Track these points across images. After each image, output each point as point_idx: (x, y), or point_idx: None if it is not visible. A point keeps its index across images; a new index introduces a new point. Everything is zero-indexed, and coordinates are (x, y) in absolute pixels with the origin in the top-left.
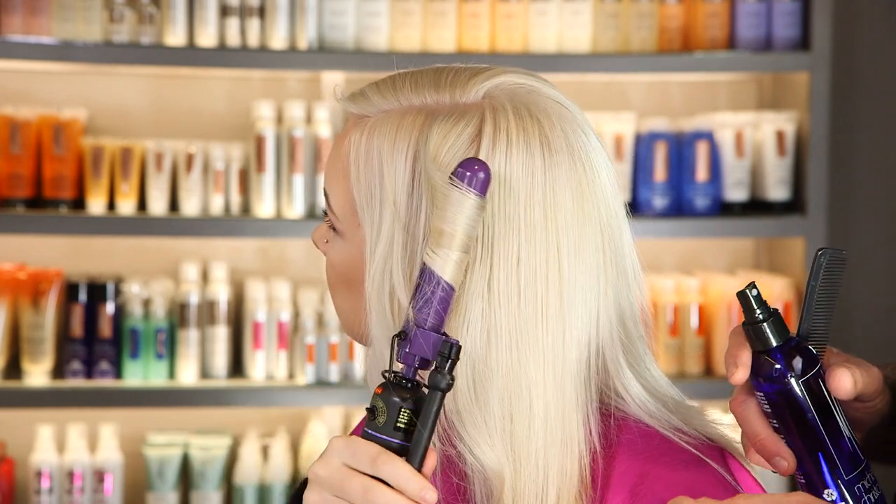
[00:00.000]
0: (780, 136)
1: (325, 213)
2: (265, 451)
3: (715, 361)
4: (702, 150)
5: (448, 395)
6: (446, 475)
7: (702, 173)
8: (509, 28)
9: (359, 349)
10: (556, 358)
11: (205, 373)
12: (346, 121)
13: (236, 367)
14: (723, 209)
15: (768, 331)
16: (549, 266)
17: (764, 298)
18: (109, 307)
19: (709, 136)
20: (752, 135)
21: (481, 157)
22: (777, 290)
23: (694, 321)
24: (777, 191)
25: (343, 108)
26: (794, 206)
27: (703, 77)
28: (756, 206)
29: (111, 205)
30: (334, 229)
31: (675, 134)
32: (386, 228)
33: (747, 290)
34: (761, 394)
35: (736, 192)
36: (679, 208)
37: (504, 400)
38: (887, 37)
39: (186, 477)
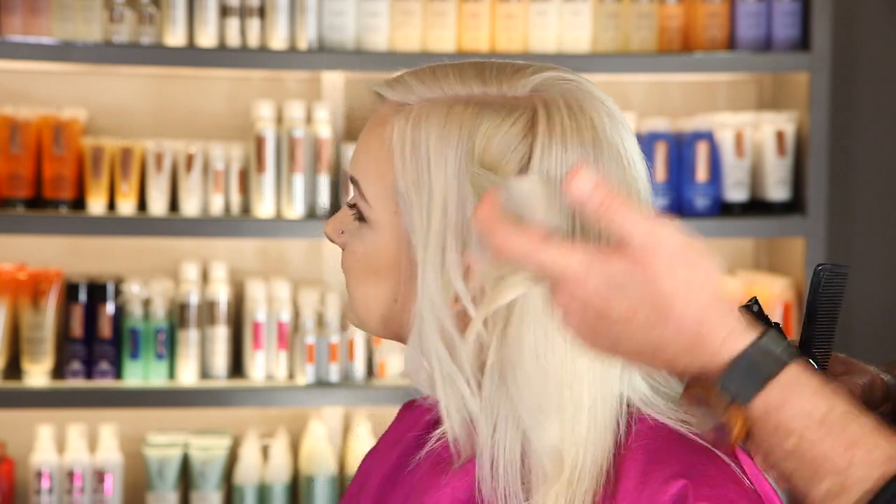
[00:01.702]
0: (780, 137)
1: (350, 205)
2: (265, 451)
3: None
4: (702, 150)
5: (510, 377)
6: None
7: (702, 173)
8: (509, 28)
9: (358, 349)
10: None
11: (205, 373)
12: (377, 107)
13: (236, 367)
14: (723, 209)
15: None
16: None
17: (766, 313)
18: (109, 307)
19: (709, 137)
20: (752, 135)
21: (536, 151)
22: (777, 291)
23: None
24: (777, 191)
25: (374, 95)
26: (794, 206)
27: (703, 77)
28: (756, 207)
29: (111, 205)
30: (362, 219)
31: (675, 134)
32: (437, 217)
33: (750, 305)
34: None
35: (736, 193)
36: (679, 208)
37: (558, 387)
38: (887, 37)
39: (186, 477)
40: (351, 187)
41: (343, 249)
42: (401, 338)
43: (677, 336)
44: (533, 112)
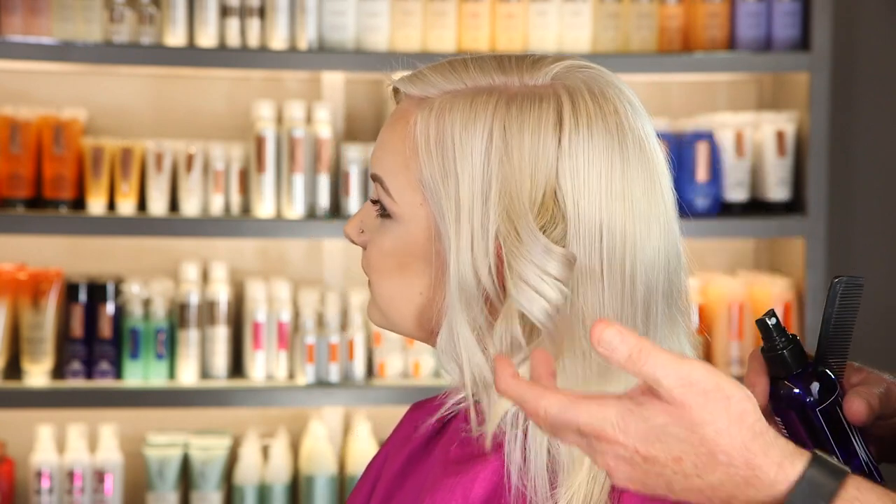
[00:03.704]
0: (780, 136)
1: (373, 202)
2: (265, 451)
3: (715, 362)
4: (702, 150)
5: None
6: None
7: (702, 173)
8: (509, 28)
9: (358, 349)
10: None
11: (205, 373)
12: (398, 103)
13: (236, 367)
14: (723, 209)
15: (787, 358)
16: (626, 245)
17: (783, 325)
18: (109, 307)
19: (709, 137)
20: (752, 135)
21: (564, 138)
22: (777, 291)
23: (694, 321)
24: (777, 191)
25: (396, 91)
26: (794, 206)
27: (703, 77)
28: (756, 207)
29: (111, 205)
30: (386, 215)
31: (675, 134)
32: (465, 206)
33: (766, 319)
34: (779, 419)
35: (736, 193)
36: (679, 208)
37: (586, 376)
38: (887, 37)
39: (186, 477)
40: (373, 185)
41: (364, 248)
42: (428, 333)
43: (730, 475)
44: (558, 100)
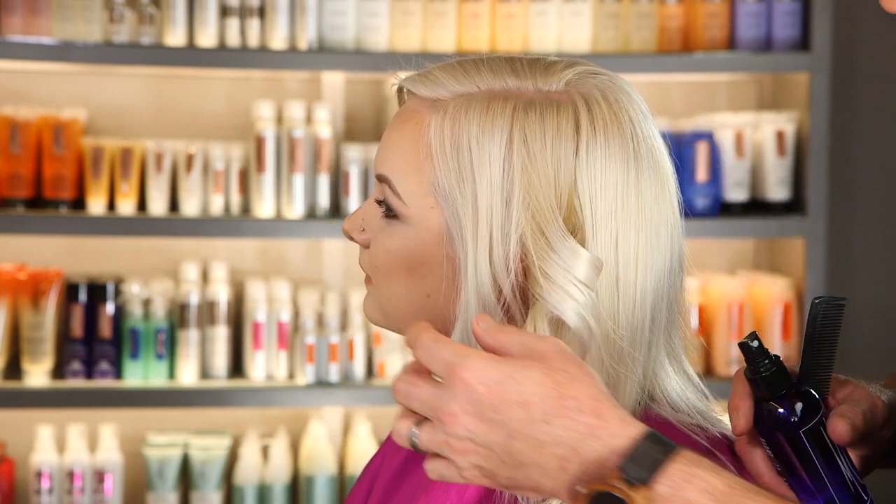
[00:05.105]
0: (780, 137)
1: (378, 202)
2: (265, 451)
3: (715, 362)
4: (702, 150)
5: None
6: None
7: (702, 173)
8: (509, 28)
9: (358, 349)
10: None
11: (205, 373)
12: (402, 102)
13: (236, 367)
14: (723, 209)
15: (771, 380)
16: (639, 251)
17: (766, 347)
18: (109, 307)
19: (709, 137)
20: (752, 135)
21: (582, 146)
22: (777, 291)
23: (694, 321)
24: (777, 191)
25: (400, 90)
26: (794, 206)
27: (703, 77)
28: (756, 207)
29: (111, 205)
30: (393, 216)
31: (675, 134)
32: (483, 213)
33: (748, 342)
34: (765, 440)
35: (736, 193)
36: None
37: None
38: (887, 37)
39: (186, 477)
40: (376, 185)
41: (366, 247)
42: None
43: (575, 425)
44: (574, 107)
